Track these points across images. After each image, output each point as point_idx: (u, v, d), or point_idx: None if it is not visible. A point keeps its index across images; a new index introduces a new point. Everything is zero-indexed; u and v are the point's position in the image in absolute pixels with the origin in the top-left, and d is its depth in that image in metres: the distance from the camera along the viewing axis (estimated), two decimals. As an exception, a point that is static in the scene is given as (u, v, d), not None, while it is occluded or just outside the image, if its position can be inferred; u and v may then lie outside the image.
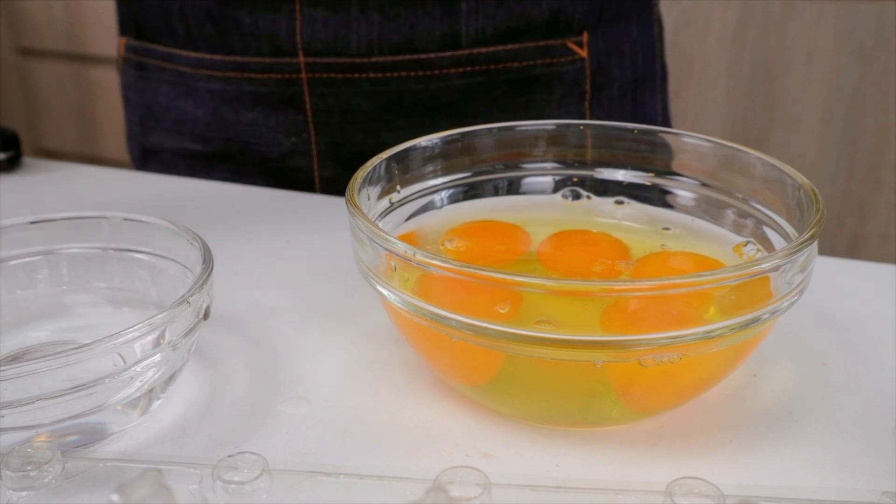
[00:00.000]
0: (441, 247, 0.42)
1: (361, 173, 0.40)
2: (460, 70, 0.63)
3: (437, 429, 0.37)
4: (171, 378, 0.37)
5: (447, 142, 0.45)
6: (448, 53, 0.63)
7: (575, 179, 0.46)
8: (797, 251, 0.33)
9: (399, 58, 0.63)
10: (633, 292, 0.32)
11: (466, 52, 0.63)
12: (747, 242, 0.41)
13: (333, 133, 0.66)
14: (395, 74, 0.63)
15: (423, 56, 0.63)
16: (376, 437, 0.36)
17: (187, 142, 0.71)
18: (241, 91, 0.66)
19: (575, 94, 0.66)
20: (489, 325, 0.32)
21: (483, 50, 0.63)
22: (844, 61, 1.40)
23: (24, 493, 0.31)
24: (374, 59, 0.63)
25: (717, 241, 0.42)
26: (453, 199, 0.45)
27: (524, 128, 0.46)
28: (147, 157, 0.74)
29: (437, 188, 0.45)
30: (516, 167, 0.46)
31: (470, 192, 0.46)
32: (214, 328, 0.44)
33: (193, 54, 0.67)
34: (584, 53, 0.65)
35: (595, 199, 0.46)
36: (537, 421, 0.37)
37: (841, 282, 0.49)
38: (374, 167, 0.41)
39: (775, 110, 1.46)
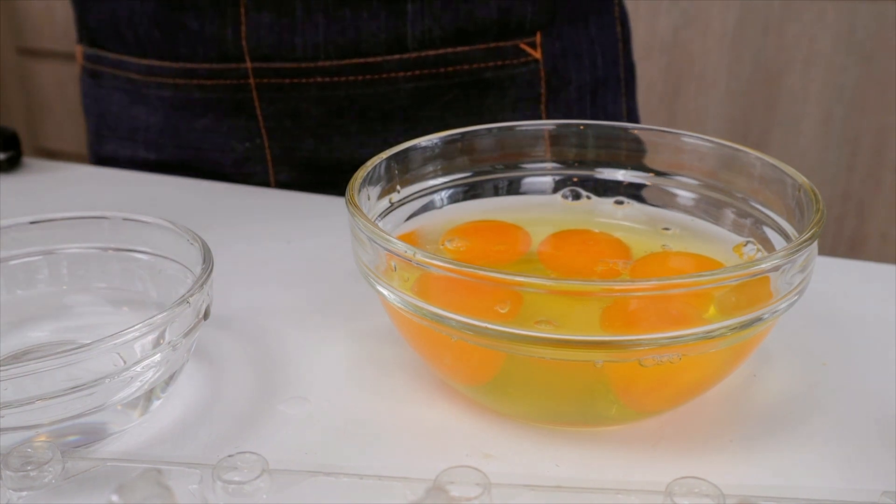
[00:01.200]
0: (441, 247, 0.42)
1: (361, 173, 0.40)
2: (409, 74, 0.62)
3: (437, 429, 0.37)
4: (171, 378, 0.37)
5: (447, 142, 0.45)
6: (395, 57, 0.62)
7: (575, 179, 0.46)
8: (797, 251, 0.33)
9: (345, 62, 0.62)
10: (633, 292, 0.32)
11: (414, 55, 0.62)
12: (747, 242, 0.41)
13: (286, 138, 0.65)
14: (343, 79, 0.62)
15: (371, 60, 0.62)
16: (376, 437, 0.36)
17: (141, 150, 0.70)
18: (192, 98, 0.65)
19: (530, 97, 0.65)
20: (489, 325, 0.32)
21: (431, 52, 0.62)
22: (844, 61, 1.40)
23: (24, 493, 0.31)
24: (320, 64, 0.62)
25: (717, 241, 0.42)
26: (453, 199, 0.45)
27: (524, 128, 0.46)
28: (103, 167, 0.73)
29: (437, 188, 0.45)
30: (516, 167, 0.46)
31: (470, 192, 0.46)
32: (214, 328, 0.44)
33: (143, 61, 0.66)
34: (537, 55, 0.64)
35: (595, 199, 0.46)
36: (537, 421, 0.37)
37: (841, 282, 0.49)
38: (374, 167, 0.41)
39: (775, 110, 1.46)
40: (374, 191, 0.41)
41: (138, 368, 0.34)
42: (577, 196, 0.46)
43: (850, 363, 0.42)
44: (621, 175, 0.46)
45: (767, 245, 0.40)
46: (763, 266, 0.32)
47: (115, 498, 0.28)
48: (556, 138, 0.46)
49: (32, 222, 0.42)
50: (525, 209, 0.46)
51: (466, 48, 0.62)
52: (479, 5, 0.61)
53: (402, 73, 0.62)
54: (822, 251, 0.43)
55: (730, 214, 0.43)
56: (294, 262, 0.52)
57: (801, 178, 0.39)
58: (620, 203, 0.46)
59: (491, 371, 0.36)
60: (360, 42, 0.61)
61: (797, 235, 0.37)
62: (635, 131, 0.45)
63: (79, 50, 0.73)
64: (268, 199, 0.63)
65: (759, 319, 0.33)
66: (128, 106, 0.69)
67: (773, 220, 0.40)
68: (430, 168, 0.45)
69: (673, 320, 0.32)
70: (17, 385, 0.31)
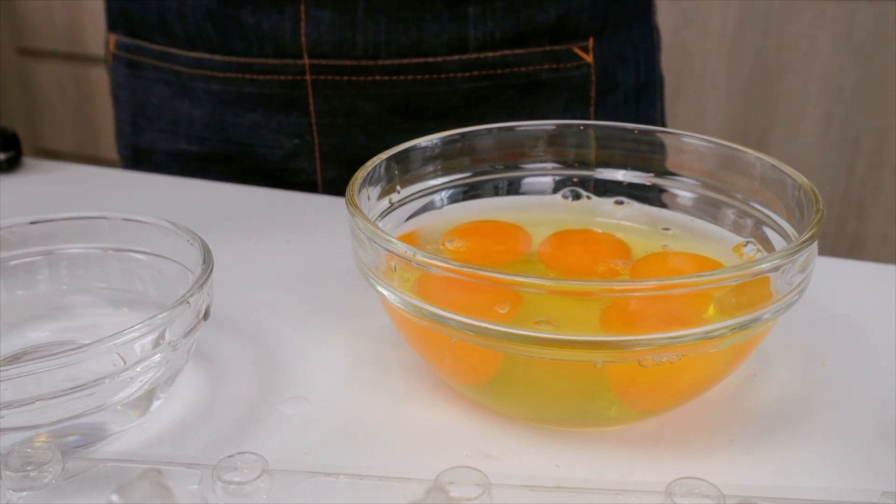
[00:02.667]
0: (441, 247, 0.42)
1: (361, 173, 0.40)
2: (467, 74, 0.63)
3: (437, 429, 0.37)
4: (171, 378, 0.37)
5: (447, 142, 0.45)
6: (455, 57, 0.63)
7: (575, 179, 0.46)
8: (797, 251, 0.33)
9: (406, 61, 0.62)
10: (633, 292, 0.32)
11: (474, 56, 0.63)
12: (747, 242, 0.41)
13: (337, 135, 0.66)
14: (402, 77, 0.63)
15: (431, 59, 0.63)
16: (376, 437, 0.36)
17: (182, 143, 0.70)
18: (242, 92, 0.65)
19: (580, 100, 0.66)
20: (489, 326, 0.32)
21: (490, 54, 0.63)
22: (844, 61, 1.40)
23: (24, 493, 0.31)
24: (380, 62, 0.62)
25: (717, 241, 0.42)
26: (453, 199, 0.45)
27: (524, 128, 0.46)
28: (138, 158, 0.73)
29: (437, 188, 0.45)
30: (516, 167, 0.46)
31: (470, 192, 0.46)
32: (214, 328, 0.44)
33: (191, 54, 0.66)
34: (589, 59, 0.65)
35: (595, 199, 0.46)
36: (537, 421, 0.37)
37: (841, 282, 0.49)
38: (374, 167, 0.41)
39: (775, 110, 1.46)
40: (374, 191, 0.41)
41: (138, 369, 0.34)
42: (577, 196, 0.46)
43: (850, 363, 0.42)
44: (621, 175, 0.46)
45: (767, 245, 0.40)
46: (763, 266, 0.32)
47: (115, 498, 0.28)
48: (555, 138, 0.46)
49: (32, 222, 0.42)
50: (525, 209, 0.46)
51: (524, 51, 0.63)
52: (538, 10, 0.63)
53: (460, 74, 0.63)
54: (822, 251, 0.43)
55: (730, 214, 0.43)
56: (294, 262, 0.52)
57: (801, 178, 0.39)
58: (620, 203, 0.46)
59: (491, 371, 0.36)
60: (421, 42, 0.62)
61: (797, 235, 0.37)
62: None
63: (111, 39, 0.73)
64: (267, 199, 0.63)
65: (758, 319, 0.33)
66: (169, 98, 0.69)
67: (773, 220, 0.40)
68: (430, 168, 0.45)
69: (673, 320, 0.32)
70: (17, 385, 0.31)
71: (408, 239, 0.42)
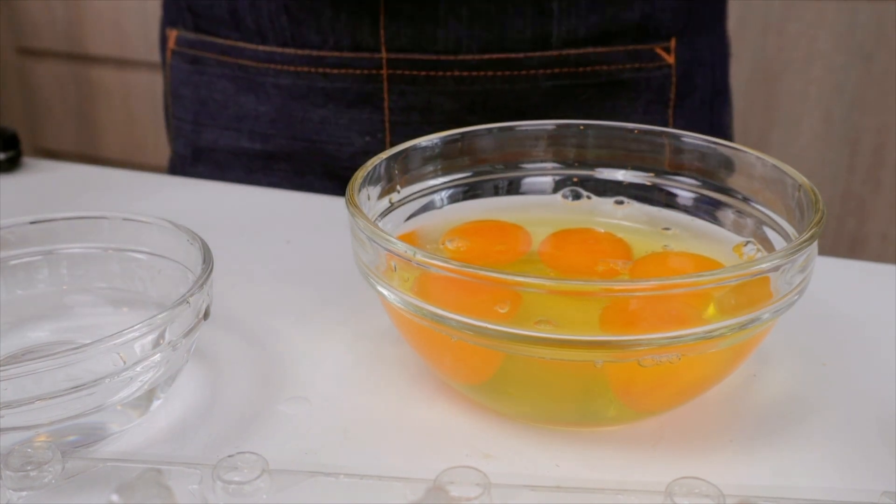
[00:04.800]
0: (441, 247, 0.42)
1: (361, 173, 0.40)
2: (549, 71, 0.62)
3: (437, 429, 0.37)
4: (171, 378, 0.37)
5: (447, 142, 0.45)
6: (538, 54, 0.61)
7: (575, 179, 0.46)
8: (797, 251, 0.33)
9: (487, 56, 0.61)
10: (633, 292, 0.32)
11: (556, 52, 0.61)
12: (747, 242, 0.41)
13: (410, 133, 0.63)
14: (482, 73, 0.61)
15: (513, 55, 0.61)
16: (376, 437, 0.36)
17: (245, 140, 0.68)
18: (314, 87, 0.64)
19: (659, 102, 0.65)
20: (489, 325, 0.32)
21: (573, 52, 0.62)
22: (844, 61, 1.40)
23: (24, 493, 0.31)
24: (461, 57, 0.61)
25: (717, 241, 0.42)
26: (453, 199, 0.45)
27: (524, 128, 0.46)
28: (198, 157, 0.72)
29: (437, 188, 0.45)
30: (516, 167, 0.46)
31: (470, 192, 0.46)
32: (214, 328, 0.44)
33: (261, 48, 0.64)
34: (671, 60, 0.64)
35: (595, 199, 0.46)
36: (537, 421, 0.37)
37: (841, 282, 0.49)
38: (374, 167, 0.41)
39: (775, 110, 1.46)
40: (374, 191, 0.41)
41: (138, 368, 0.34)
42: (577, 196, 0.46)
43: (850, 363, 0.42)
44: (621, 175, 0.46)
45: (767, 245, 0.40)
46: (763, 266, 0.32)
47: (115, 498, 0.28)
48: (555, 138, 0.46)
49: (32, 222, 0.42)
50: (525, 209, 0.46)
51: (607, 49, 0.62)
52: (623, 7, 0.62)
53: (542, 71, 0.62)
54: (822, 251, 0.43)
55: (730, 214, 0.43)
56: (294, 262, 0.52)
57: (801, 178, 0.39)
58: (620, 203, 0.46)
59: (491, 371, 0.36)
60: (504, 37, 0.61)
61: (797, 235, 0.37)
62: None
63: (171, 35, 0.71)
64: (268, 199, 0.63)
65: (758, 319, 0.33)
66: (234, 94, 0.67)
67: (773, 220, 0.40)
68: (430, 168, 0.45)
69: (672, 320, 0.32)
70: (17, 385, 0.31)
71: (408, 239, 0.42)
